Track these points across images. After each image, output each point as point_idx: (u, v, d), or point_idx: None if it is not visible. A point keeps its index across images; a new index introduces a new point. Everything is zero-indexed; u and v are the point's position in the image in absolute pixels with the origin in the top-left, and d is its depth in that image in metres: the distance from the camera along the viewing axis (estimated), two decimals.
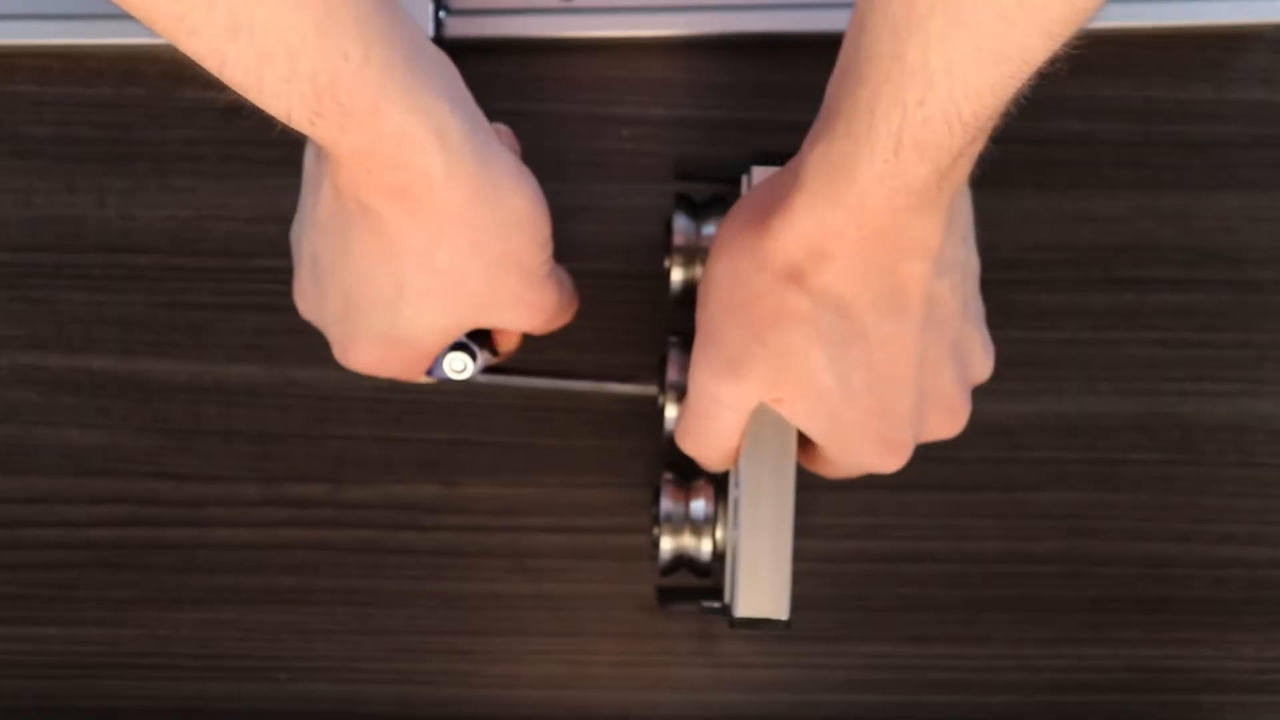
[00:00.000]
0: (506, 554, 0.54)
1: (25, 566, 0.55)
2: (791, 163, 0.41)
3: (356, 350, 0.44)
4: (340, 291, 0.43)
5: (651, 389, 0.49)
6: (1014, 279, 0.54)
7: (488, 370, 0.48)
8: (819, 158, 0.38)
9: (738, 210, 0.42)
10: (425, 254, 0.41)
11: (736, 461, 0.44)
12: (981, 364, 0.45)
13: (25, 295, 0.55)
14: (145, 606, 0.55)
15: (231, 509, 0.55)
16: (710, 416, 0.42)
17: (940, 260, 0.40)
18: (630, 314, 0.54)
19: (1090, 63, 0.55)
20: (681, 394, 0.46)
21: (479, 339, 0.48)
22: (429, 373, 0.47)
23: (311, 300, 0.45)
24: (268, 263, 0.55)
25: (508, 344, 0.49)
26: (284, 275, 0.55)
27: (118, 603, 0.55)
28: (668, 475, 0.48)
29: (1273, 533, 0.55)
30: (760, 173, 0.45)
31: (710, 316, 0.42)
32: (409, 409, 0.55)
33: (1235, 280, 0.55)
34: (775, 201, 0.40)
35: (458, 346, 0.47)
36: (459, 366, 0.47)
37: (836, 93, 0.38)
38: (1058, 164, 0.55)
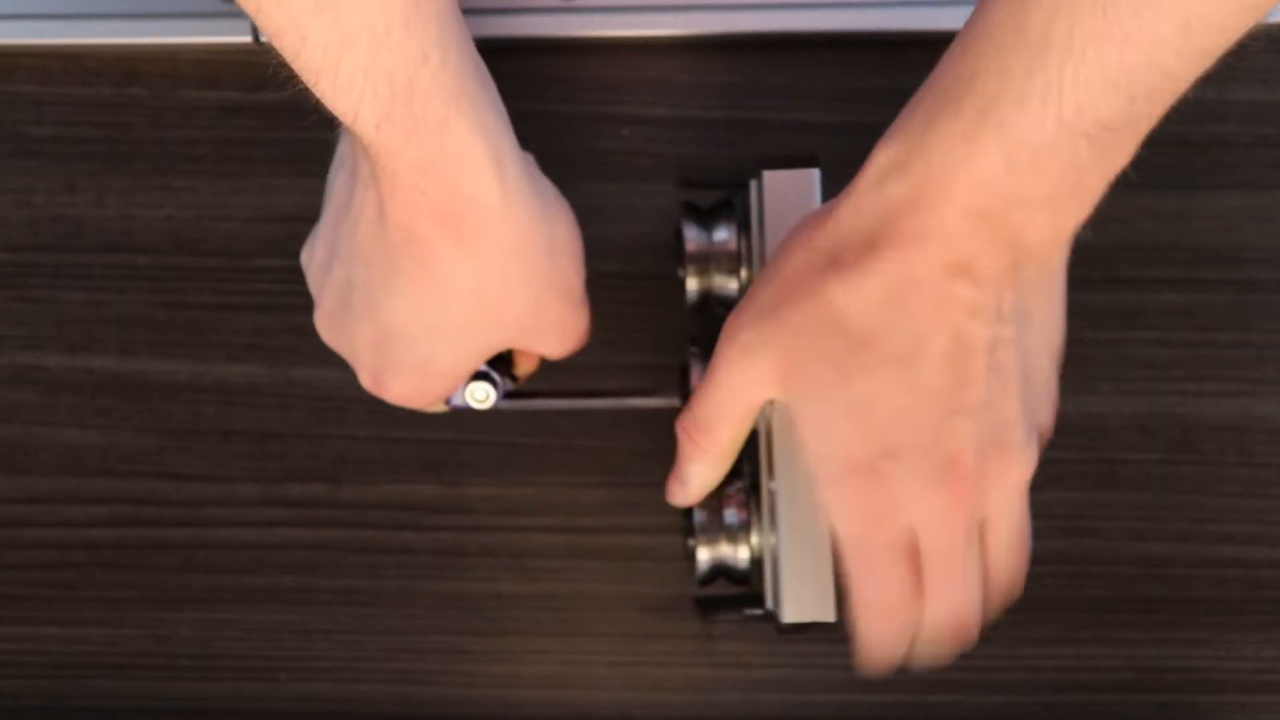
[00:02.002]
0: (507, 554, 0.54)
1: (25, 566, 0.55)
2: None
3: (392, 381, 0.44)
4: (379, 322, 0.42)
5: (674, 401, 0.48)
6: None
7: (507, 395, 0.48)
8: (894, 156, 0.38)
9: (810, 213, 0.42)
10: (474, 284, 0.41)
11: (727, 470, 0.44)
12: (1015, 468, 0.40)
13: (25, 295, 0.55)
14: (145, 606, 0.55)
15: (231, 509, 0.55)
16: (722, 386, 0.42)
17: (992, 323, 0.38)
18: (631, 314, 0.54)
19: None
20: None
21: (498, 365, 0.47)
22: (448, 402, 0.47)
23: (340, 328, 0.44)
24: (268, 263, 0.55)
25: (527, 367, 0.49)
26: (284, 275, 0.55)
27: (118, 603, 0.55)
28: None
29: (1273, 533, 0.55)
30: (771, 177, 0.45)
31: (752, 286, 0.42)
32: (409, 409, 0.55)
33: (1235, 280, 0.55)
34: (844, 195, 0.39)
35: (480, 376, 0.46)
36: (481, 396, 0.46)
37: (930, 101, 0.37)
38: None
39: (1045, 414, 0.42)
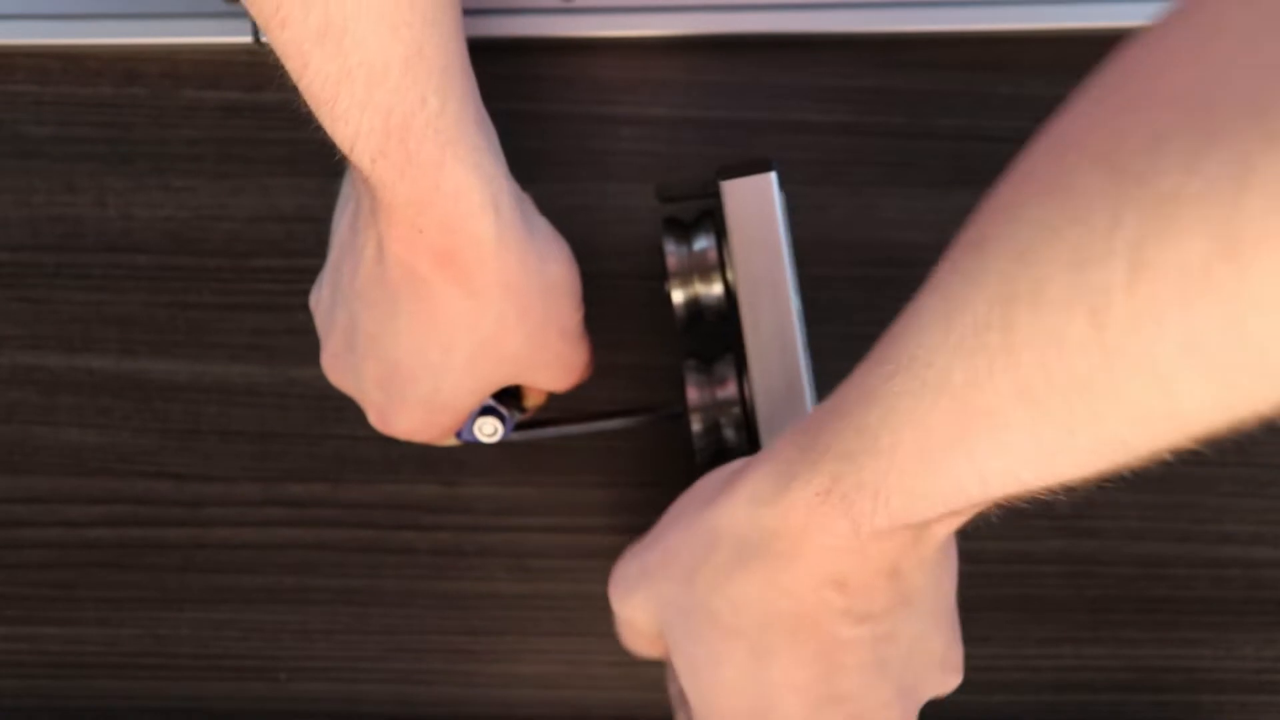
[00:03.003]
0: (506, 554, 0.54)
1: (25, 566, 0.55)
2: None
3: (398, 417, 0.44)
4: (382, 359, 0.43)
5: (677, 415, 0.49)
6: None
7: (517, 426, 0.49)
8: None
9: (710, 479, 0.43)
10: (472, 321, 0.41)
11: None
12: None
13: (25, 295, 0.55)
14: (145, 606, 0.55)
15: (231, 509, 0.55)
16: (619, 618, 0.44)
17: (862, 621, 0.38)
18: (630, 314, 0.54)
19: (1090, 63, 0.55)
20: (705, 416, 0.46)
21: (506, 398, 0.48)
22: (458, 435, 0.47)
23: (346, 368, 0.45)
24: (268, 262, 0.55)
25: (535, 400, 0.50)
26: (284, 275, 0.55)
27: (117, 603, 0.55)
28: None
29: (1273, 533, 0.55)
30: (729, 187, 0.45)
31: (653, 529, 0.44)
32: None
33: None
34: (726, 496, 0.40)
35: (487, 410, 0.47)
36: (489, 430, 0.47)
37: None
38: None
39: (934, 682, 0.41)
